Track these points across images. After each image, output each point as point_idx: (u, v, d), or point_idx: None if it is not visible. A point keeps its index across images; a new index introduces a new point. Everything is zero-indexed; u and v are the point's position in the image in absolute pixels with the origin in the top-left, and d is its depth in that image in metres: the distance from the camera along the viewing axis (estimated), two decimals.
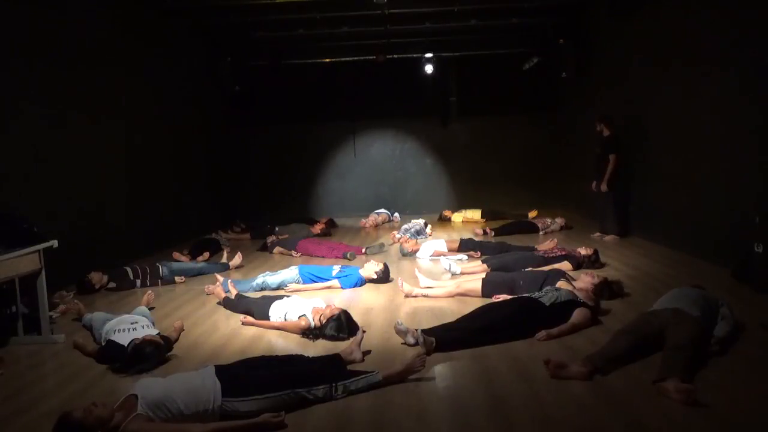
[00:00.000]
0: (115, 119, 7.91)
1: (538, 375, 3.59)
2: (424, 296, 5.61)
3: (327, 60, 12.49)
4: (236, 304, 5.33)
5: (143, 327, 4.38)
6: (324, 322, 4.42)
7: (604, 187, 8.40)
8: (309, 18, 10.01)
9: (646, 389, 3.30)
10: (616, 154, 8.29)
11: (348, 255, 7.74)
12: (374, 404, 3.30)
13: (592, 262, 6.48)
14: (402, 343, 4.21)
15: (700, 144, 6.72)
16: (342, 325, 4.40)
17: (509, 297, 5.03)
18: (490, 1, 9.83)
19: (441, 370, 3.79)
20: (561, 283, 4.94)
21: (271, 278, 6.23)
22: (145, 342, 3.99)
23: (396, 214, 12.00)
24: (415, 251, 7.86)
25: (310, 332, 4.47)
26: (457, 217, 11.32)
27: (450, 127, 13.19)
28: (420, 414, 3.18)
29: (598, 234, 8.70)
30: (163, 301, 5.88)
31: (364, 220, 11.40)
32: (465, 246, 7.75)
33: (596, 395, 3.31)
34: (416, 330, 4.13)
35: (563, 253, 6.61)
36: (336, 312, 4.47)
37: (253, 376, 3.29)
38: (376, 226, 11.29)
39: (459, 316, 4.55)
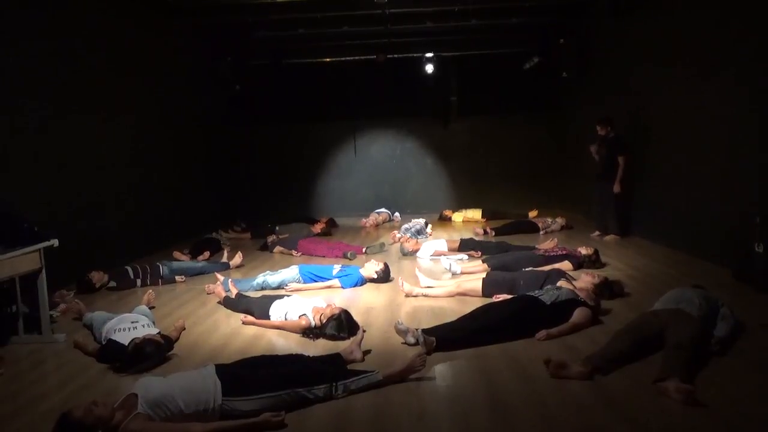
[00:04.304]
0: (116, 118, 7.91)
1: (538, 375, 3.59)
2: (425, 296, 5.61)
3: (327, 59, 12.48)
4: (237, 304, 5.34)
5: (144, 326, 4.39)
6: (324, 321, 4.43)
7: (617, 188, 8.32)
8: (310, 17, 10.02)
9: (646, 389, 3.30)
10: (626, 155, 8.26)
11: (348, 254, 7.75)
12: (374, 404, 3.30)
13: (593, 262, 6.49)
14: (402, 343, 4.21)
15: (700, 144, 6.72)
16: (342, 324, 4.40)
17: (509, 297, 5.03)
18: (490, 0, 9.84)
19: (441, 369, 3.79)
20: (561, 283, 4.94)
21: (272, 278, 6.23)
22: (146, 341, 4.00)
23: (396, 214, 11.99)
24: (416, 251, 7.86)
25: (310, 332, 4.48)
26: (458, 216, 11.31)
27: (450, 127, 13.17)
28: (420, 414, 3.18)
29: (597, 234, 8.69)
30: (163, 300, 5.88)
31: (364, 220, 11.39)
32: (465, 246, 7.75)
33: (596, 395, 3.31)
34: (416, 329, 4.14)
35: (564, 252, 6.62)
36: (336, 311, 4.47)
37: (254, 375, 3.29)
38: (377, 225, 11.27)
39: (459, 315, 4.54)
